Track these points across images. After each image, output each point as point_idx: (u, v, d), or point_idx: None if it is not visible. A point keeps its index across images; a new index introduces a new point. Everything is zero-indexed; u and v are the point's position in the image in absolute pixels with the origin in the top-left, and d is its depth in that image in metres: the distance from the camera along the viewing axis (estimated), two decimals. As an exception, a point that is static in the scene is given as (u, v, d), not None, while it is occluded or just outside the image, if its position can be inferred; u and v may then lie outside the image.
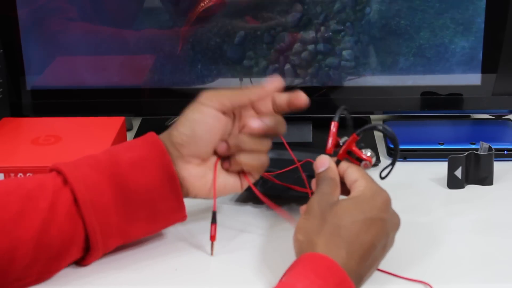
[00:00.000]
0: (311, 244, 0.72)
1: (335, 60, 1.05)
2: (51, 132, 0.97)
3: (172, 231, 0.86)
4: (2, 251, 0.73)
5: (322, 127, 1.11)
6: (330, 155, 0.79)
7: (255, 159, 0.82)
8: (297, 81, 1.06)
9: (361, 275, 0.72)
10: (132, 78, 1.09)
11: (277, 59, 1.05)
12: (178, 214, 0.82)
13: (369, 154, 0.79)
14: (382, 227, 0.74)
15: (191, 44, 1.05)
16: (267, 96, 0.82)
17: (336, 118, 0.79)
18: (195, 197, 0.82)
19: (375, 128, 0.78)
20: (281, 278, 0.71)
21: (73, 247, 0.77)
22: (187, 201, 0.82)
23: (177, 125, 0.80)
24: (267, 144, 0.82)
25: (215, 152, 0.82)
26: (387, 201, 0.76)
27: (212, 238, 0.81)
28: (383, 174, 0.80)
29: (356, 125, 0.79)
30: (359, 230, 0.72)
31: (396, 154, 0.79)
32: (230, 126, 0.82)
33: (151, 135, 0.81)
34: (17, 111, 1.08)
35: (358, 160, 0.79)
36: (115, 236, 0.79)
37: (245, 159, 0.81)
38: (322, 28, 1.04)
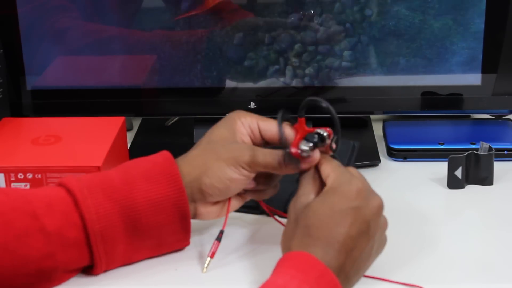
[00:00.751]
0: (287, 249, 0.72)
1: (335, 61, 1.05)
2: (51, 132, 0.97)
3: (172, 231, 0.86)
4: (4, 268, 0.72)
5: (322, 127, 1.11)
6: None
7: (273, 189, 0.84)
8: (297, 82, 1.06)
9: (345, 270, 0.71)
10: (132, 78, 1.09)
11: (278, 59, 1.05)
12: (183, 243, 0.82)
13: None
14: (355, 216, 0.71)
15: (192, 44, 1.05)
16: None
17: (302, 113, 0.78)
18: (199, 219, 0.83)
19: (311, 102, 0.76)
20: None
21: (76, 268, 0.78)
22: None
23: (211, 176, 0.79)
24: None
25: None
26: (358, 188, 0.73)
27: (212, 255, 0.80)
28: (333, 147, 0.78)
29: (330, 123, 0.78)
30: (328, 225, 0.71)
31: (337, 125, 0.76)
32: None
33: (170, 164, 0.79)
34: (17, 111, 1.08)
35: (321, 140, 0.77)
36: (119, 261, 0.79)
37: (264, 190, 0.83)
38: (322, 29, 1.04)
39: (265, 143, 0.83)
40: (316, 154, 0.77)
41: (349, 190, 0.73)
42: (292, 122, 0.79)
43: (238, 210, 0.90)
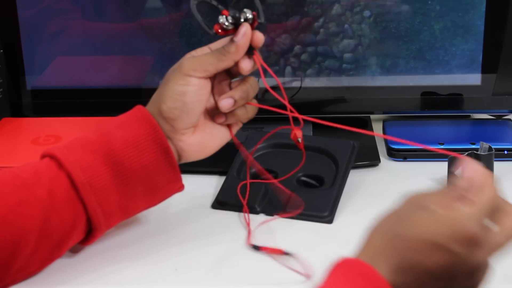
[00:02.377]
0: (368, 243, 0.63)
1: (335, 62, 1.05)
2: (51, 132, 0.97)
3: (173, 230, 0.86)
4: (5, 243, 0.73)
5: (322, 127, 1.11)
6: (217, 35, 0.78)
7: (250, 109, 0.83)
8: (296, 83, 1.06)
9: None
10: (132, 78, 1.09)
11: (277, 61, 1.05)
12: (175, 185, 0.82)
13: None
14: (448, 259, 0.60)
15: (192, 45, 1.05)
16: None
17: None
18: (189, 161, 0.82)
19: None
20: (322, 281, 0.63)
21: (75, 231, 0.78)
22: (187, 202, 0.82)
23: (165, 100, 0.79)
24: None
25: (215, 110, 0.82)
26: (469, 236, 0.60)
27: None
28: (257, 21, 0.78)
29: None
30: (416, 249, 0.61)
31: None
32: (211, 85, 0.82)
33: (140, 109, 0.81)
34: (17, 111, 1.08)
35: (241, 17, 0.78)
36: (117, 213, 0.79)
37: (241, 111, 0.82)
38: (322, 30, 1.04)
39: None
40: (244, 27, 0.77)
41: (461, 231, 0.60)
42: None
43: (238, 210, 0.90)
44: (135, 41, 1.07)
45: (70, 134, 0.96)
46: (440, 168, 1.00)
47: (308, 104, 1.07)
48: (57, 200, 0.75)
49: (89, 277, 0.79)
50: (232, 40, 0.78)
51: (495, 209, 0.62)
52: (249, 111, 0.83)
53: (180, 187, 0.83)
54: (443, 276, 0.61)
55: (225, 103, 0.80)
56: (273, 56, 1.05)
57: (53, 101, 1.09)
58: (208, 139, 0.82)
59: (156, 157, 0.79)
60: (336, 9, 1.03)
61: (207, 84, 0.80)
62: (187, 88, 0.79)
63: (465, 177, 0.63)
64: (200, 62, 0.79)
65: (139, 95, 1.09)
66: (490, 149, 0.97)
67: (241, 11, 0.78)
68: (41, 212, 0.74)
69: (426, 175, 1.01)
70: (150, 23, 1.06)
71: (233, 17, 0.78)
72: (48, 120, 1.03)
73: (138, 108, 0.81)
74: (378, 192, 0.95)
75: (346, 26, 1.04)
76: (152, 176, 0.80)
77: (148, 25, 1.06)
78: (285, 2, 1.03)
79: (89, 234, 0.79)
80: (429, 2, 1.02)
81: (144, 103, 1.10)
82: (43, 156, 0.79)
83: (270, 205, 0.90)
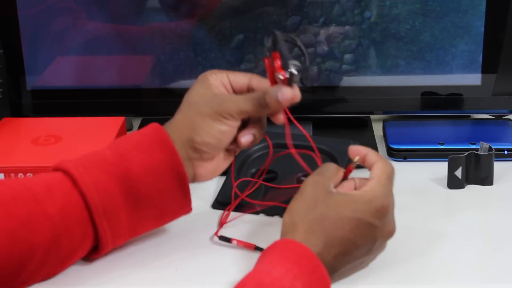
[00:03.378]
0: (294, 227, 0.73)
1: (335, 63, 1.05)
2: (51, 132, 0.97)
3: (173, 231, 0.86)
4: (11, 257, 0.72)
5: (322, 127, 1.11)
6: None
7: (258, 138, 0.84)
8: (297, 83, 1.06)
9: (338, 272, 0.74)
10: (132, 78, 1.09)
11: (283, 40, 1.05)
12: (184, 209, 0.83)
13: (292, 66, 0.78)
14: (368, 231, 0.74)
15: (192, 46, 1.05)
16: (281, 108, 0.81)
17: (268, 53, 0.79)
18: (201, 181, 0.84)
19: (281, 38, 0.78)
20: (256, 265, 0.72)
21: (81, 249, 0.78)
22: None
23: (200, 133, 0.80)
24: None
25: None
26: (384, 208, 0.75)
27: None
28: (304, 81, 0.79)
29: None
30: (343, 226, 0.73)
31: (304, 56, 0.78)
32: None
33: (159, 131, 0.80)
34: (17, 111, 1.08)
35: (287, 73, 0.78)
36: (124, 235, 0.79)
37: (253, 143, 0.84)
38: (322, 31, 1.04)
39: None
40: (295, 91, 0.79)
41: (376, 206, 0.74)
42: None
43: (237, 210, 0.90)
44: (135, 41, 1.07)
45: (70, 134, 0.96)
46: (440, 168, 1.00)
47: (308, 104, 1.07)
48: (68, 219, 0.75)
49: (89, 277, 0.79)
50: (276, 96, 0.78)
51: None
52: (258, 138, 0.84)
53: (189, 211, 0.83)
54: (366, 243, 0.74)
55: (246, 139, 0.82)
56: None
57: (53, 101, 1.09)
58: (221, 163, 0.84)
59: (171, 185, 0.79)
60: (337, 10, 1.03)
61: (239, 122, 0.82)
62: (225, 127, 0.80)
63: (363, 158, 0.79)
64: (239, 109, 0.80)
65: (139, 95, 1.09)
66: (490, 149, 0.97)
67: (303, 68, 0.78)
68: (51, 229, 0.74)
69: (426, 175, 1.01)
70: (159, 27, 1.06)
71: (299, 71, 0.78)
72: (48, 120, 1.03)
73: (157, 129, 0.81)
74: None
75: (346, 27, 1.04)
76: (164, 202, 0.80)
77: (156, 29, 1.06)
78: (285, 2, 1.03)
79: (93, 250, 0.79)
80: (429, 3, 1.02)
81: (144, 102, 1.10)
82: (57, 169, 0.78)
83: (272, 205, 0.90)
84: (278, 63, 0.78)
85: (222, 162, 0.84)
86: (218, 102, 0.80)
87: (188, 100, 0.82)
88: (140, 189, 0.78)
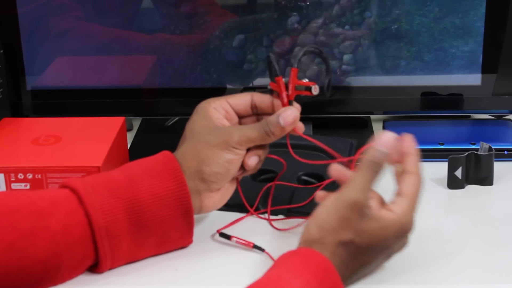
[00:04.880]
0: (320, 240, 0.71)
1: (335, 63, 1.05)
2: (51, 132, 0.96)
3: (172, 231, 0.86)
4: (9, 269, 0.72)
5: (322, 127, 1.11)
6: (290, 103, 0.81)
7: (263, 159, 0.85)
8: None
9: (348, 284, 0.73)
10: (132, 78, 1.09)
11: (277, 61, 1.05)
12: (185, 240, 0.83)
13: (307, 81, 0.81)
14: (387, 254, 0.74)
15: (191, 47, 1.05)
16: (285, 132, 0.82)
17: (296, 64, 0.81)
18: (206, 212, 0.85)
19: (308, 52, 0.80)
20: (274, 267, 0.71)
21: (81, 268, 0.78)
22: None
23: (210, 164, 0.80)
24: None
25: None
26: (409, 230, 0.74)
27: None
28: (328, 95, 0.81)
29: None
30: (369, 254, 0.72)
31: (329, 71, 0.80)
32: None
33: (171, 160, 0.80)
34: (17, 111, 1.08)
35: (307, 90, 0.80)
36: (124, 258, 0.80)
37: (258, 165, 0.84)
38: (321, 31, 1.04)
39: (240, 117, 0.85)
40: (295, 109, 0.81)
41: (403, 233, 0.73)
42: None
43: (238, 210, 0.90)
44: (135, 41, 1.07)
45: (70, 134, 0.96)
46: (440, 168, 1.00)
47: (308, 104, 1.06)
48: (70, 236, 0.75)
49: (90, 277, 0.79)
50: (278, 122, 0.80)
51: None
52: (263, 159, 0.85)
53: (189, 242, 0.83)
54: (383, 260, 0.74)
55: (253, 162, 0.83)
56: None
57: (53, 101, 1.09)
58: (226, 192, 0.84)
59: (176, 215, 0.80)
60: (336, 10, 1.03)
61: (245, 150, 0.82)
62: (233, 156, 0.81)
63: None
64: (247, 138, 0.81)
65: (139, 95, 1.09)
66: (490, 149, 0.97)
67: (329, 86, 0.81)
68: (52, 246, 0.74)
69: (426, 175, 1.01)
70: (168, 38, 1.06)
71: (321, 89, 0.81)
72: (48, 120, 1.03)
73: (169, 157, 0.81)
74: (378, 192, 0.95)
75: (346, 27, 1.04)
76: (167, 231, 0.80)
77: (164, 38, 1.06)
78: (285, 2, 1.03)
79: (92, 267, 0.79)
80: (429, 4, 1.02)
81: (144, 102, 1.10)
82: (65, 186, 0.78)
83: (273, 204, 0.89)
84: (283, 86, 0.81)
85: (227, 191, 0.84)
86: (225, 133, 0.81)
87: (192, 131, 0.83)
88: (145, 215, 0.78)
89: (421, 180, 0.76)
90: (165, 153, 0.82)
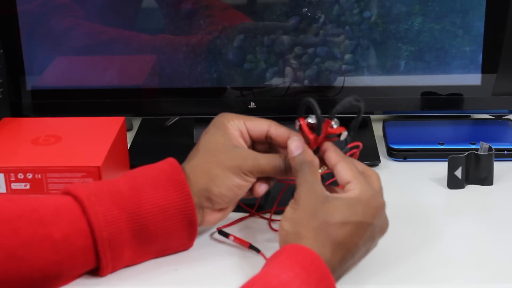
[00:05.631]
0: (298, 236, 0.73)
1: (335, 63, 1.05)
2: (51, 132, 0.97)
3: (172, 231, 0.86)
4: (9, 277, 0.72)
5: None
6: (315, 152, 0.80)
7: (272, 186, 0.85)
8: (296, 84, 1.06)
9: (340, 274, 0.74)
10: (132, 78, 1.09)
11: (277, 62, 1.05)
12: (186, 246, 0.83)
13: (336, 126, 0.80)
14: (369, 232, 0.74)
15: (192, 47, 1.05)
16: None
17: (302, 113, 0.80)
18: (203, 226, 0.85)
19: (346, 104, 0.79)
20: (263, 267, 0.72)
21: (81, 274, 0.78)
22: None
23: (219, 185, 0.80)
24: None
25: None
26: (380, 207, 0.76)
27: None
28: (352, 133, 0.81)
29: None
30: (348, 232, 0.73)
31: (359, 112, 0.80)
32: None
33: (176, 170, 0.80)
34: (17, 111, 1.08)
35: (336, 136, 0.80)
36: (124, 265, 0.80)
37: (265, 189, 0.84)
38: (322, 32, 1.04)
39: (252, 142, 0.85)
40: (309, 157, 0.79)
41: (375, 207, 0.75)
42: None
43: (239, 211, 0.90)
44: (135, 41, 1.07)
45: (70, 134, 0.96)
46: (440, 168, 1.00)
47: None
48: (72, 246, 0.75)
49: (90, 277, 0.79)
50: (291, 162, 0.79)
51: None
52: (272, 185, 0.85)
53: (190, 245, 0.83)
54: (367, 243, 0.74)
55: (262, 189, 0.83)
56: (273, 57, 1.05)
57: (53, 101, 1.09)
58: (228, 210, 0.84)
59: (180, 227, 0.80)
60: (336, 10, 1.03)
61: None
62: (244, 183, 0.81)
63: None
64: (261, 169, 0.80)
65: (139, 95, 1.09)
66: (490, 149, 0.97)
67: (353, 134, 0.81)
68: (53, 254, 0.73)
69: (426, 175, 1.01)
70: (171, 39, 1.06)
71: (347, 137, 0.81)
72: (48, 120, 1.03)
73: (175, 167, 0.80)
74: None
75: (346, 27, 1.04)
76: (170, 241, 0.80)
77: (168, 39, 1.06)
78: (285, 2, 1.03)
79: (90, 270, 0.79)
80: (429, 4, 1.02)
81: (144, 102, 1.10)
82: (68, 193, 0.78)
83: (272, 205, 0.90)
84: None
85: (229, 209, 0.84)
86: (241, 157, 0.80)
87: (207, 146, 0.82)
88: (148, 227, 0.78)
89: (351, 160, 0.79)
90: (170, 162, 0.81)
